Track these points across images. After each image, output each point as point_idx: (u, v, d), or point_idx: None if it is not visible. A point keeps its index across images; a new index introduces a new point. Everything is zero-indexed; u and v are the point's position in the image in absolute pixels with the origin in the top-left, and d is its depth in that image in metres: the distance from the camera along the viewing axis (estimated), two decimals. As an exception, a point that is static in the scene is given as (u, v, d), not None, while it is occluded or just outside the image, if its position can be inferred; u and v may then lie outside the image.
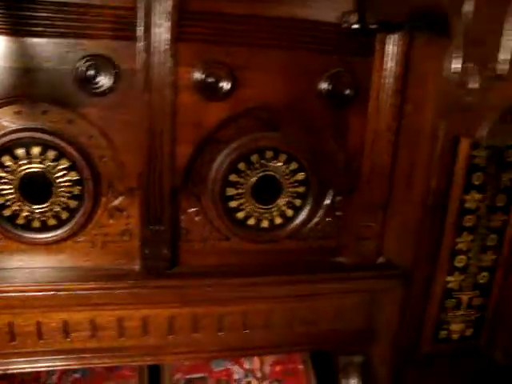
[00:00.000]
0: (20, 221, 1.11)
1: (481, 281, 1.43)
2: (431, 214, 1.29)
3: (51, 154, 1.08)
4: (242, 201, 1.17)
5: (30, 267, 1.15)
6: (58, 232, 1.13)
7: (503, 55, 0.80)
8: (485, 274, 1.43)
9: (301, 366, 1.39)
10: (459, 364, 1.52)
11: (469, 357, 1.52)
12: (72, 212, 1.12)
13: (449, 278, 1.41)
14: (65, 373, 1.33)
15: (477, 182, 1.32)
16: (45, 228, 1.13)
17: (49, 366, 1.21)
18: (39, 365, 1.20)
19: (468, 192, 1.32)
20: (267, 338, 1.25)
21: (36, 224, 1.12)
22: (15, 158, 1.07)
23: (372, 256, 1.27)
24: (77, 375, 1.33)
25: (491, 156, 1.29)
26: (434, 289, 1.40)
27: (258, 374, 1.36)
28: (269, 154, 1.15)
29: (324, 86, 1.10)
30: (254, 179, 1.16)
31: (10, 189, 1.08)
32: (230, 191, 1.16)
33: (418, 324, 1.42)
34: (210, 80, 1.05)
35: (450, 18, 0.87)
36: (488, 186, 1.33)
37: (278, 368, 1.38)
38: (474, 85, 0.87)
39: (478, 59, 0.85)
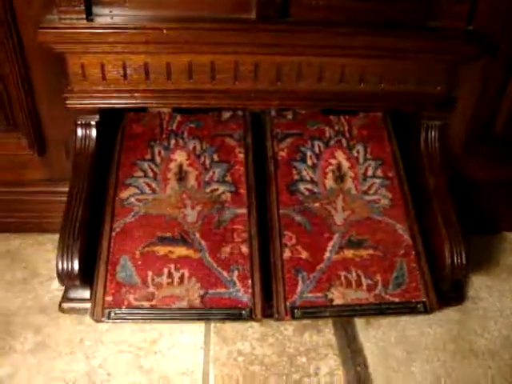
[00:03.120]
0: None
1: None
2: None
3: None
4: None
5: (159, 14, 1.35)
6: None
7: None
8: None
9: (385, 134, 1.57)
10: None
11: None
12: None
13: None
14: (183, 122, 1.57)
15: None
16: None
17: (174, 103, 1.45)
18: (168, 101, 1.44)
19: None
20: (361, 92, 1.43)
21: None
22: None
23: (462, 21, 1.36)
24: (192, 125, 1.57)
25: None
26: (518, 69, 1.50)
27: (347, 135, 1.56)
28: None
29: None
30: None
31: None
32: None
33: (497, 102, 1.54)
34: None
35: None
36: None
37: (364, 132, 1.57)
38: None
39: None
